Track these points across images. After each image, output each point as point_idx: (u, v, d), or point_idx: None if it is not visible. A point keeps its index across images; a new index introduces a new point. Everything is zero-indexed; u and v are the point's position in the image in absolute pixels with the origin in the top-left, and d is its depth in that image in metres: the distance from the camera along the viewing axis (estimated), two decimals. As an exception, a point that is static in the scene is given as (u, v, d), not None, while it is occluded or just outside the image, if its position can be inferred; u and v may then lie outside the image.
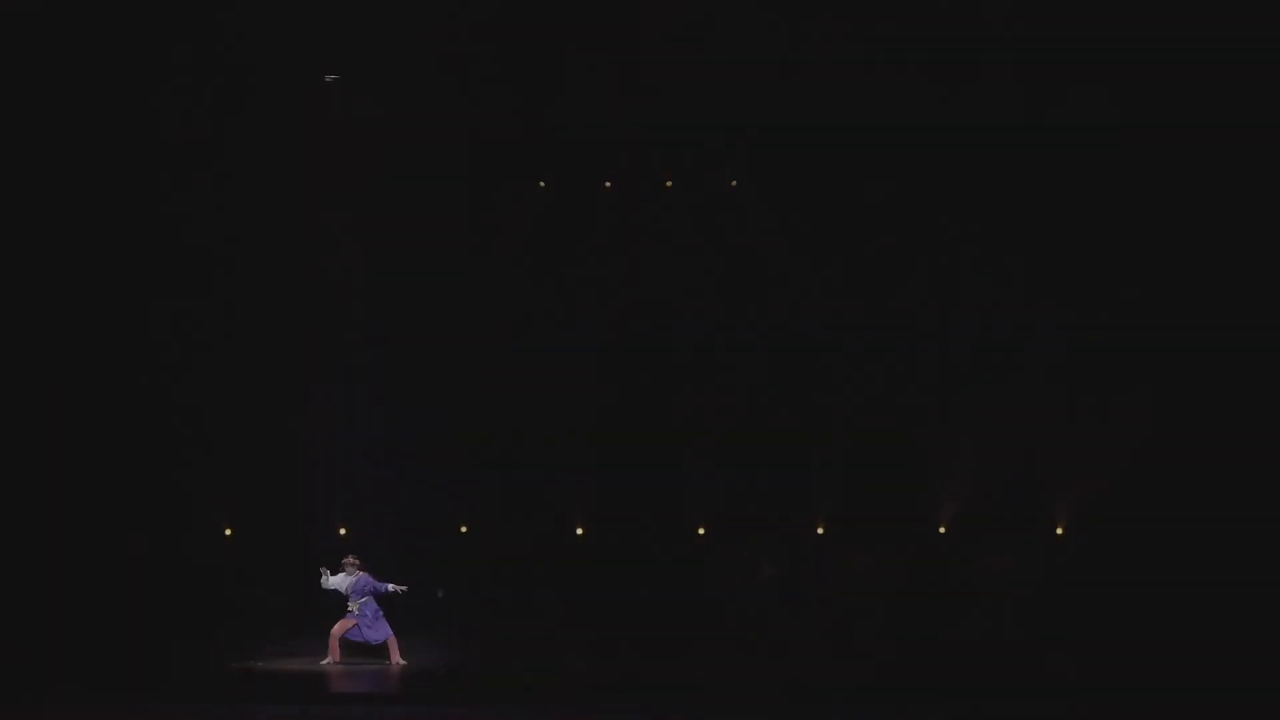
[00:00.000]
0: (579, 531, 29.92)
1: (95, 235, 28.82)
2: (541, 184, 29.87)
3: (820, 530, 29.56)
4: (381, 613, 24.82)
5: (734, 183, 29.68)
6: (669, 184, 29.69)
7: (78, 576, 28.03)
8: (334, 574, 25.02)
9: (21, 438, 28.39)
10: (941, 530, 29.28)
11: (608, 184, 29.85)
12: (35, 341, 28.59)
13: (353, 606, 24.80)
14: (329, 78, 28.89)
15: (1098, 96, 27.90)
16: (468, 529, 29.96)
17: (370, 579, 24.80)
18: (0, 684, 22.74)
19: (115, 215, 28.92)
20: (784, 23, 28.13)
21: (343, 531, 29.28)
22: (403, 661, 24.74)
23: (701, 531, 29.68)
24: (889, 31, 27.90)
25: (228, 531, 29.86)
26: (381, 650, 24.86)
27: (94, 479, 28.65)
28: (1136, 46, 27.29)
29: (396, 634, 24.90)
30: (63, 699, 22.13)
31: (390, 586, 24.79)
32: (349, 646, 24.90)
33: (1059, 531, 28.89)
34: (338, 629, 24.80)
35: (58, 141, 28.45)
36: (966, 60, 28.04)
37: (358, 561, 25.00)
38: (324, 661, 24.71)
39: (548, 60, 28.65)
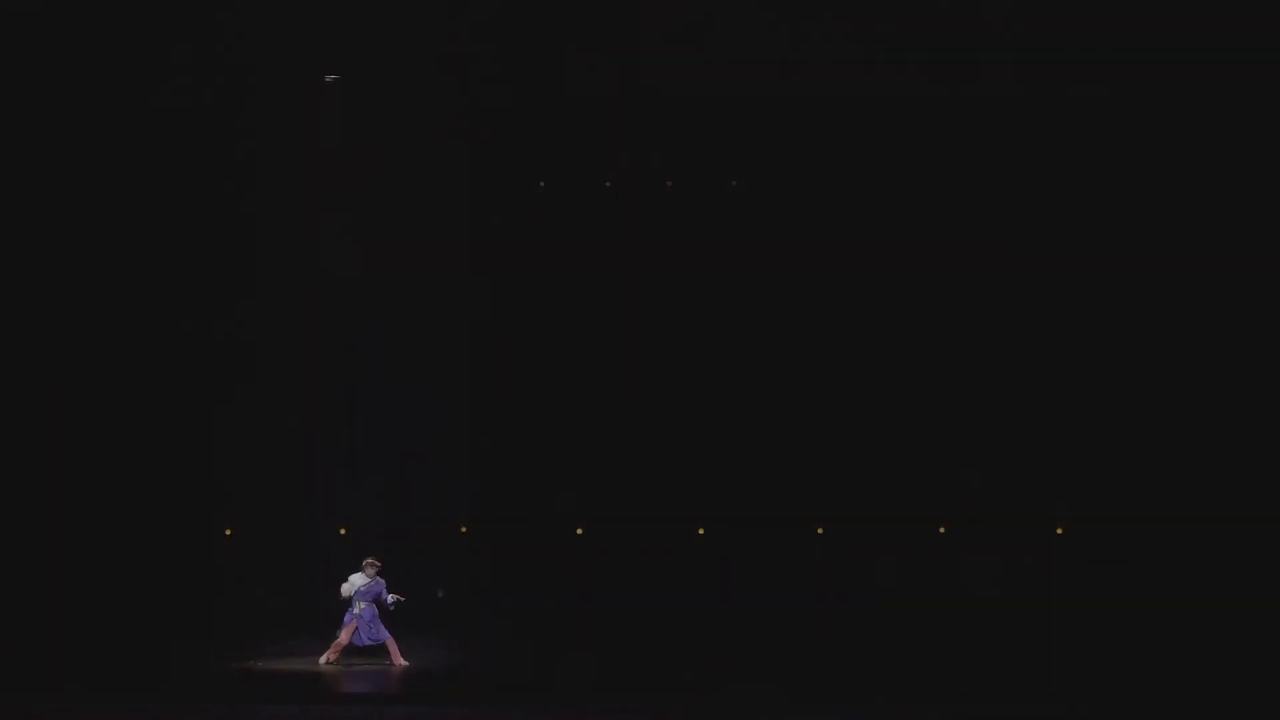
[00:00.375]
0: (579, 531, 29.92)
1: (94, 235, 28.81)
2: (541, 184, 29.86)
3: (820, 530, 29.59)
4: (379, 617, 24.80)
5: (734, 183, 29.69)
6: (669, 184, 29.70)
7: (78, 576, 28.02)
8: (352, 574, 24.95)
9: (21, 437, 28.39)
10: (941, 530, 29.30)
11: (608, 184, 29.84)
12: (35, 341, 28.59)
13: (357, 607, 24.77)
14: (329, 78, 28.90)
15: (1097, 96, 27.93)
16: (468, 529, 29.95)
17: (382, 587, 24.80)
18: (0, 684, 22.72)
19: (114, 215, 28.91)
20: (784, 23, 28.14)
21: (343, 531, 29.27)
22: (404, 662, 24.72)
23: (701, 532, 29.70)
24: (889, 31, 27.91)
25: (228, 531, 29.86)
26: (381, 651, 24.83)
27: (94, 479, 28.64)
28: (1137, 46, 27.33)
29: (396, 635, 24.87)
30: (63, 699, 22.12)
31: (391, 598, 24.80)
32: (348, 648, 24.87)
33: (1059, 531, 28.93)
34: (345, 636, 24.75)
35: (58, 142, 28.46)
36: (966, 60, 28.05)
37: (379, 564, 24.98)
38: (322, 660, 24.69)
39: (548, 60, 28.65)
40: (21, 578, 27.65)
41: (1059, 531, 28.91)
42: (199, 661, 24.96)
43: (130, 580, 28.30)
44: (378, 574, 24.94)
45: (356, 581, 24.85)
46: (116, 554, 28.52)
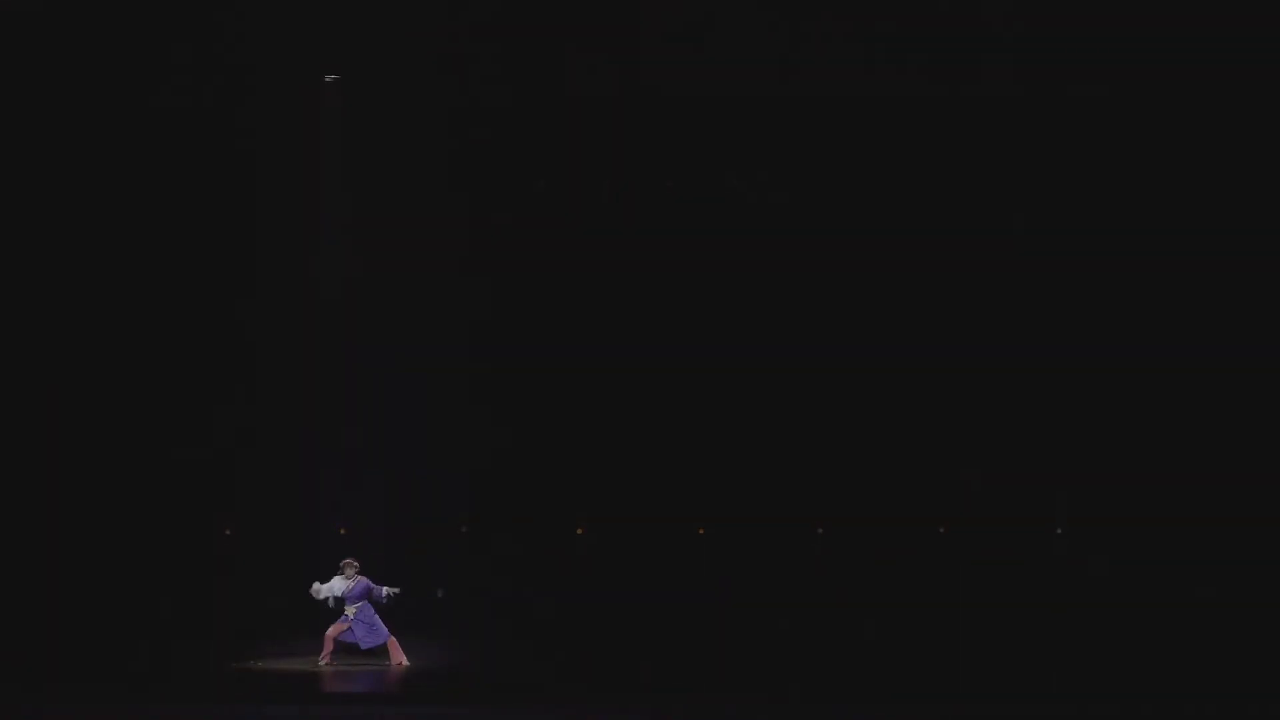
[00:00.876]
0: (579, 531, 29.93)
1: (94, 235, 28.82)
2: (541, 184, 29.84)
3: (820, 530, 29.60)
4: (378, 617, 24.74)
5: (733, 182, 29.68)
6: (669, 184, 29.70)
7: (78, 576, 28.02)
8: (332, 577, 24.90)
9: (21, 437, 28.40)
10: (941, 530, 29.32)
11: (608, 184, 29.83)
12: (35, 341, 28.60)
13: (349, 611, 24.72)
14: (329, 78, 28.91)
15: (1097, 96, 27.97)
16: (468, 529, 29.95)
17: (368, 583, 24.72)
18: (0, 684, 22.72)
19: (114, 215, 28.92)
20: (784, 23, 28.16)
21: (343, 531, 29.27)
22: (406, 662, 24.67)
23: (701, 532, 29.71)
24: (889, 31, 27.94)
25: (227, 531, 29.86)
26: (382, 652, 24.80)
27: (94, 479, 28.65)
28: (1137, 46, 27.36)
29: (396, 634, 24.83)
30: (63, 699, 22.11)
31: (386, 591, 24.72)
32: (347, 646, 24.86)
33: (1059, 531, 28.96)
34: (333, 630, 24.75)
35: (58, 141, 28.47)
36: (966, 60, 28.08)
37: (357, 565, 24.92)
38: (321, 662, 24.68)
39: (548, 60, 28.66)
40: (21, 577, 27.65)
41: (1059, 532, 28.93)
42: (199, 661, 24.95)
43: (131, 580, 28.31)
44: (357, 573, 24.86)
45: (336, 587, 24.77)
46: (117, 553, 28.53)
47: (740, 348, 29.29)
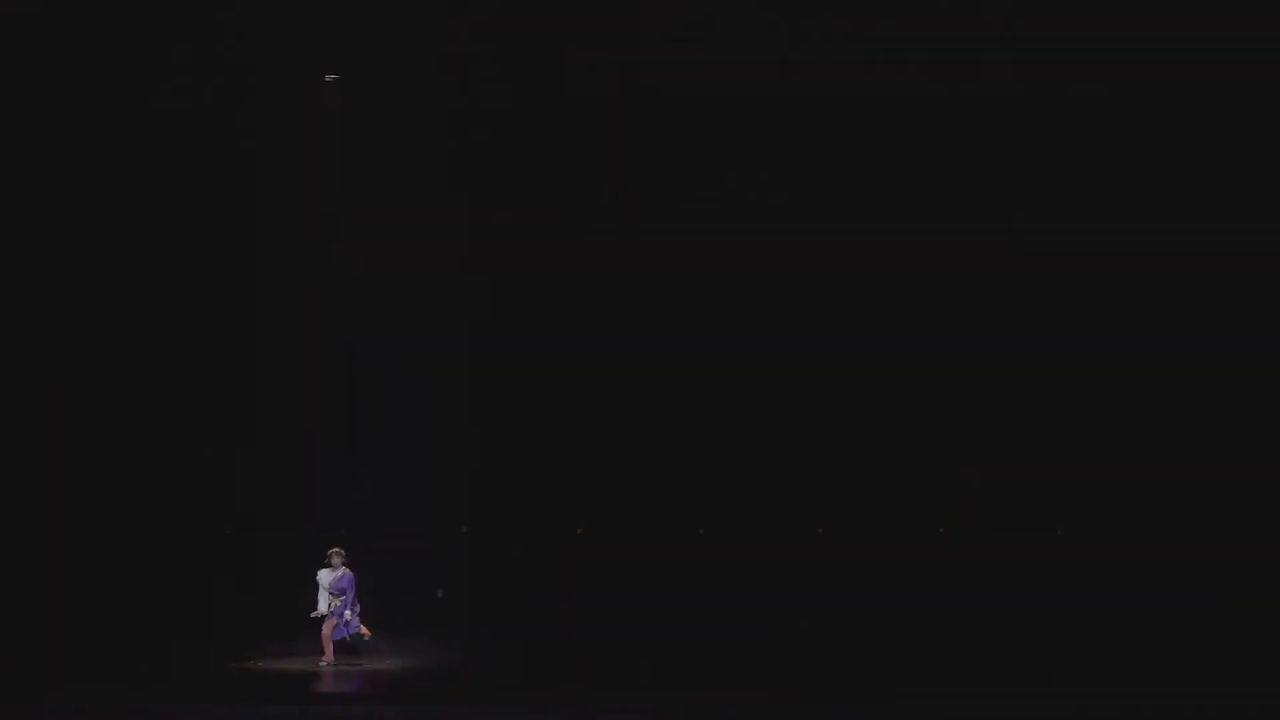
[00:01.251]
0: (579, 531, 29.93)
1: (94, 235, 28.83)
2: (541, 184, 29.84)
3: (820, 530, 29.61)
4: (358, 608, 24.78)
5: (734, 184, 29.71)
6: (669, 184, 29.71)
7: (78, 576, 28.03)
8: (320, 569, 24.95)
9: (21, 437, 28.41)
10: (941, 530, 29.33)
11: (607, 184, 29.85)
12: (35, 341, 28.61)
13: (333, 603, 24.74)
14: (329, 78, 28.92)
15: (1097, 96, 27.98)
16: (467, 529, 29.96)
17: (353, 582, 24.72)
18: (0, 684, 22.73)
19: (114, 215, 28.93)
20: (784, 23, 28.17)
21: (343, 531, 29.26)
22: (368, 633, 24.67)
23: (701, 532, 29.71)
24: (889, 31, 27.95)
25: (228, 531, 29.86)
26: (378, 651, 24.82)
27: (94, 479, 28.65)
28: (1137, 46, 27.37)
29: (396, 634, 24.85)
30: (63, 699, 22.12)
31: (359, 629, 24.75)
32: (347, 646, 24.89)
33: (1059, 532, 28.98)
34: (327, 629, 24.79)
35: (58, 141, 28.48)
36: (966, 60, 28.09)
37: (344, 554, 24.93)
38: (321, 663, 24.70)
39: (548, 60, 28.67)
40: (22, 578, 27.65)
41: (1059, 532, 28.94)
42: (199, 661, 24.96)
43: (130, 580, 28.31)
44: (344, 563, 24.90)
45: (324, 579, 24.84)
46: (117, 554, 28.53)
47: (740, 348, 29.29)
